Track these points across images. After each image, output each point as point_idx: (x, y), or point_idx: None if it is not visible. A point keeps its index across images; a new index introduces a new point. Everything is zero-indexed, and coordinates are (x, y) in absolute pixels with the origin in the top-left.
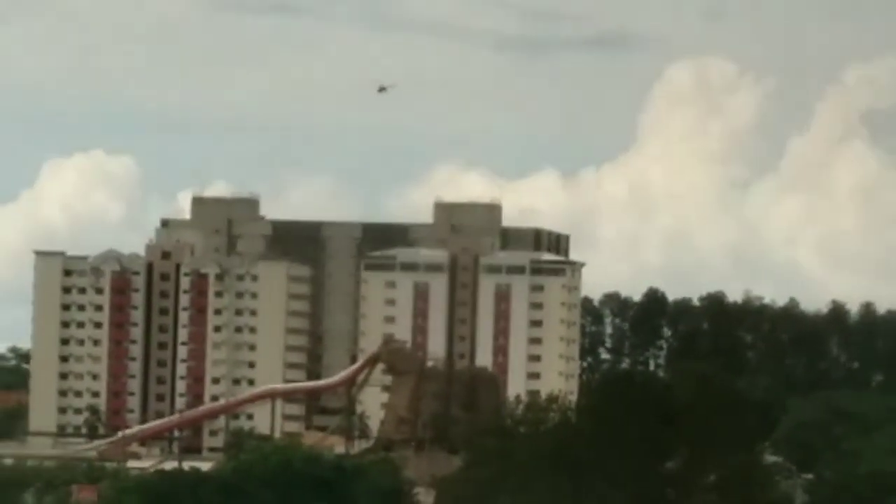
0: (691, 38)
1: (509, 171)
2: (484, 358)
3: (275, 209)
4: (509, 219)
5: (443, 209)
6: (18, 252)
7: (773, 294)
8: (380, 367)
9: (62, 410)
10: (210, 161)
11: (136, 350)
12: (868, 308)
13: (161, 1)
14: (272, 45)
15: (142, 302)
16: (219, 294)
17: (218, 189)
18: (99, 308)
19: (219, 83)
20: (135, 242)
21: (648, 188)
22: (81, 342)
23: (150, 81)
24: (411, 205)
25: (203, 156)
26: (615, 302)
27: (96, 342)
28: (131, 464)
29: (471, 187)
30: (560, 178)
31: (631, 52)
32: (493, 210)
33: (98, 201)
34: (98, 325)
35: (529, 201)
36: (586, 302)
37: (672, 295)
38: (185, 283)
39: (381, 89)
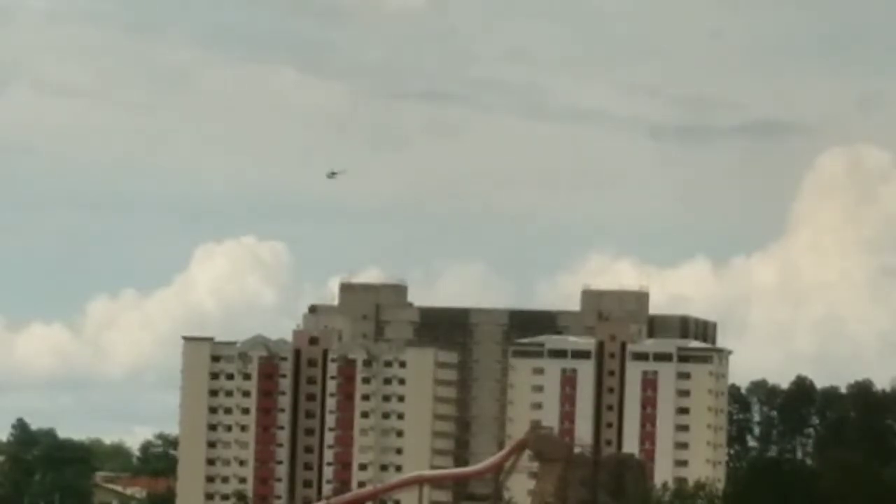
0: (845, 126)
1: (660, 259)
2: (631, 445)
3: (423, 296)
4: (657, 306)
5: (591, 296)
6: (169, 337)
7: None
8: (527, 453)
9: (209, 496)
10: (360, 247)
11: (284, 436)
12: None
13: (314, 89)
14: (426, 132)
15: (289, 387)
16: (366, 380)
17: (367, 275)
18: (246, 394)
19: (371, 170)
20: (285, 328)
21: (799, 276)
22: (229, 428)
23: (302, 168)
24: (560, 292)
25: (353, 242)
26: (763, 390)
27: (244, 428)
28: None
29: (620, 275)
30: (711, 266)
31: (784, 140)
32: (641, 298)
33: (249, 287)
34: (245, 410)
35: (679, 289)
36: (733, 389)
37: (820, 383)
38: (332, 368)
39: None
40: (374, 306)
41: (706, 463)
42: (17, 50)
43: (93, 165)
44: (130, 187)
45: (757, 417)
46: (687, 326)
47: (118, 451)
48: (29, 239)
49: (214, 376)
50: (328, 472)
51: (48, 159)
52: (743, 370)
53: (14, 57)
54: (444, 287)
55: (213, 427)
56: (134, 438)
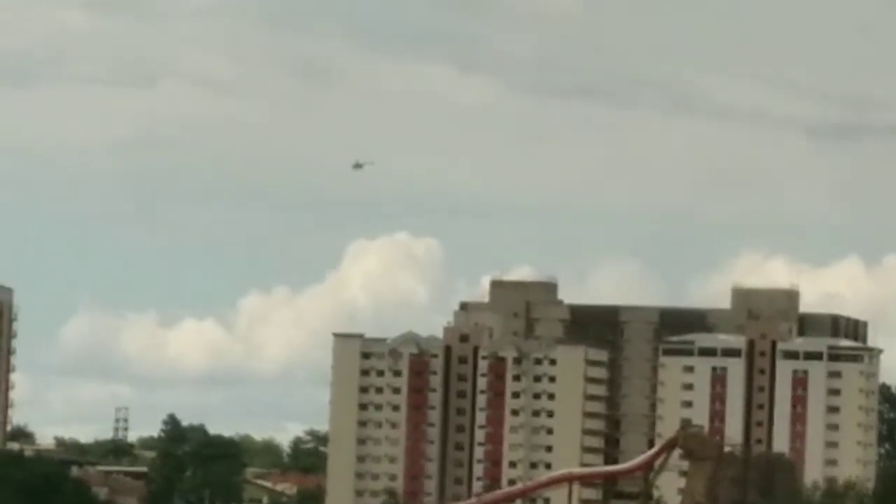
0: None
1: (812, 258)
2: (781, 444)
3: (573, 293)
4: (808, 305)
5: (741, 295)
6: (321, 334)
7: None
8: (677, 452)
9: (359, 493)
10: (512, 245)
11: (434, 433)
12: None
13: (466, 85)
14: (576, 128)
15: (439, 384)
16: (516, 377)
17: (518, 273)
18: (397, 391)
19: (523, 167)
20: (436, 325)
21: None
22: (379, 424)
23: (455, 164)
24: (710, 290)
25: (505, 239)
26: None
27: (394, 425)
28: None
29: (772, 273)
30: (863, 265)
31: None
32: (792, 296)
33: (401, 283)
34: (396, 407)
35: (831, 288)
36: (884, 388)
37: None
38: (482, 366)
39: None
40: (524, 304)
41: (856, 462)
42: (166, 44)
43: (245, 161)
44: (282, 184)
45: None
46: (838, 325)
47: (268, 448)
48: (182, 235)
49: (365, 373)
50: (478, 469)
51: (199, 154)
52: (894, 369)
53: (164, 52)
54: (594, 285)
55: (363, 424)
56: (284, 435)
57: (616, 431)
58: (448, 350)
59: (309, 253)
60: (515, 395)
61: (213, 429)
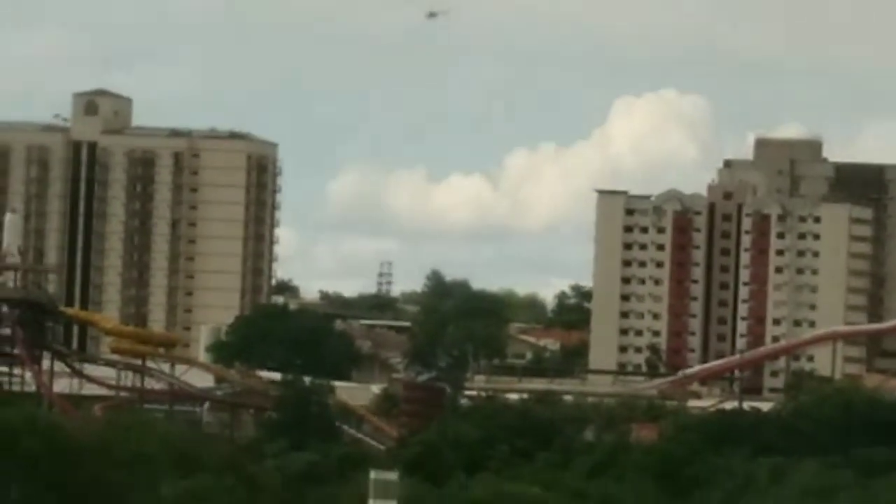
0: None
1: None
2: None
3: (839, 152)
4: None
5: None
6: (586, 190)
7: None
8: None
9: (622, 349)
10: (779, 102)
11: (697, 290)
12: None
13: None
14: None
15: (703, 242)
16: (780, 235)
17: (785, 131)
18: (660, 247)
19: (794, 24)
20: (700, 182)
21: None
22: (642, 281)
23: (723, 22)
24: None
25: (772, 97)
26: None
27: (657, 282)
28: (691, 403)
29: None
30: None
31: None
32: None
33: (667, 141)
34: (659, 264)
35: None
36: None
37: None
38: (746, 223)
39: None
40: (789, 161)
41: None
42: None
43: (513, 20)
44: (551, 40)
45: None
46: None
47: (532, 303)
48: (451, 91)
49: (628, 230)
50: (742, 326)
51: (469, 13)
52: None
53: None
54: (860, 143)
55: (626, 280)
56: (548, 290)
57: (880, 289)
58: (712, 207)
59: (576, 109)
60: (779, 252)
61: (477, 284)
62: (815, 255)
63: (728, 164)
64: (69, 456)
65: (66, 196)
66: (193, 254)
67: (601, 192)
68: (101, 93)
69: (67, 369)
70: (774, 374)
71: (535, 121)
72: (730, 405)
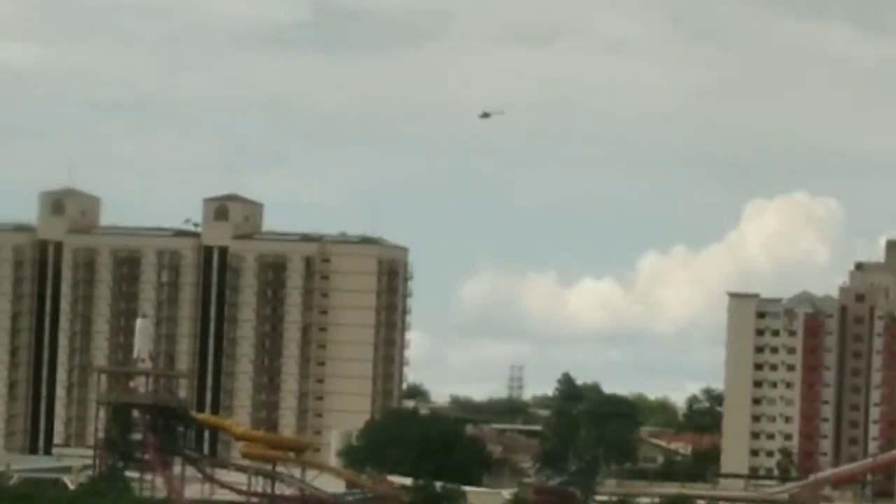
0: None
1: None
2: None
3: None
4: None
5: None
6: (718, 293)
7: None
8: None
9: (754, 452)
10: None
11: (829, 393)
12: None
13: (868, 44)
14: None
15: (835, 345)
16: None
17: None
18: (791, 351)
19: None
20: (831, 284)
21: None
22: (774, 384)
23: (855, 123)
24: None
25: None
26: None
27: (788, 385)
28: None
29: None
30: None
31: None
32: None
33: (798, 243)
34: (790, 367)
35: None
36: None
37: None
38: (878, 326)
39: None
40: None
41: None
42: (566, 3)
43: (647, 123)
44: (682, 142)
45: None
46: None
47: (663, 407)
48: (582, 196)
49: (760, 332)
50: (873, 429)
51: (606, 115)
52: None
53: (563, 10)
54: None
55: (758, 383)
56: (679, 394)
57: None
58: (843, 310)
59: (707, 212)
60: None
61: (608, 388)
62: None
63: (859, 266)
64: None
65: (198, 301)
66: (324, 358)
67: (733, 295)
68: (232, 198)
69: (199, 474)
70: None
71: (667, 224)
72: None
